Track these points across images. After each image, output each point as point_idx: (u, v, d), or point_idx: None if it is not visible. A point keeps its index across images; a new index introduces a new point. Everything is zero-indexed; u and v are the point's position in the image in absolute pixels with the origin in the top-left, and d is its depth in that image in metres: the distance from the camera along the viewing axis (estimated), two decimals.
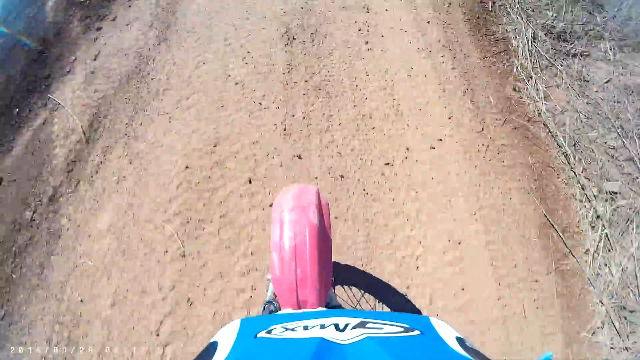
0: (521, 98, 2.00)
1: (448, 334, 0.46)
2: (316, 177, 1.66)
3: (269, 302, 0.92)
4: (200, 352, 0.45)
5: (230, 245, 1.50)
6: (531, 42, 2.18)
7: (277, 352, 0.40)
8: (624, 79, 2.03)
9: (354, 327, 0.43)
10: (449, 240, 1.56)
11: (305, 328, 0.44)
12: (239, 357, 0.40)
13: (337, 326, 0.44)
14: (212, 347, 0.45)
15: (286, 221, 0.77)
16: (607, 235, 1.59)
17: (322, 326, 0.44)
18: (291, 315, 0.52)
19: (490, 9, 2.38)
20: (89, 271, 1.44)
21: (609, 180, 1.73)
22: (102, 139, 1.73)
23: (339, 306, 0.89)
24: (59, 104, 1.81)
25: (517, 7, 2.34)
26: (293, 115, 1.82)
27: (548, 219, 1.65)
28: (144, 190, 1.60)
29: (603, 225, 1.61)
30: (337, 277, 1.47)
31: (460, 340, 0.44)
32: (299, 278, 0.71)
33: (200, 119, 1.79)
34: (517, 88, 2.03)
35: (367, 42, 2.13)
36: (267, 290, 1.39)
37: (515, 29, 2.25)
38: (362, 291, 1.43)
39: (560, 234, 1.62)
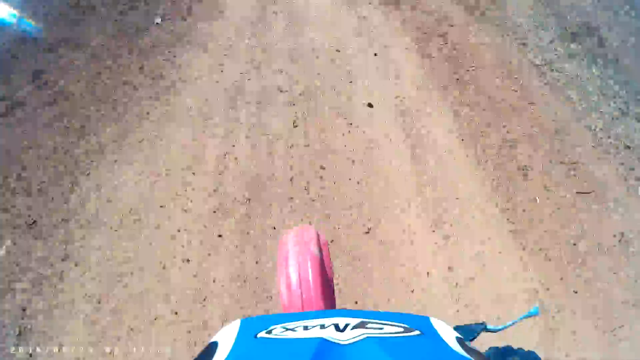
0: None
1: (448, 334, 0.46)
2: None
3: None
4: (200, 352, 0.45)
5: None
6: None
7: (277, 352, 0.40)
8: None
9: (354, 327, 0.43)
10: None
11: (305, 328, 0.44)
12: (239, 357, 0.40)
13: (337, 326, 0.44)
14: (212, 347, 0.45)
15: (291, 255, 0.87)
16: None
17: (322, 326, 0.44)
18: (291, 316, 0.52)
19: None
20: None
21: None
22: None
23: None
24: None
25: None
26: None
27: None
28: None
29: None
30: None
31: (460, 341, 0.44)
32: (304, 300, 0.81)
33: None
34: None
35: None
36: None
37: None
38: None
39: None
